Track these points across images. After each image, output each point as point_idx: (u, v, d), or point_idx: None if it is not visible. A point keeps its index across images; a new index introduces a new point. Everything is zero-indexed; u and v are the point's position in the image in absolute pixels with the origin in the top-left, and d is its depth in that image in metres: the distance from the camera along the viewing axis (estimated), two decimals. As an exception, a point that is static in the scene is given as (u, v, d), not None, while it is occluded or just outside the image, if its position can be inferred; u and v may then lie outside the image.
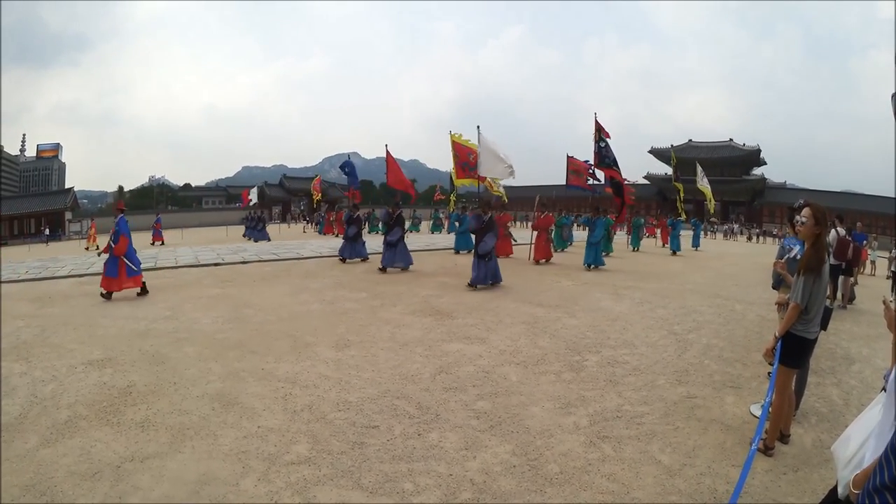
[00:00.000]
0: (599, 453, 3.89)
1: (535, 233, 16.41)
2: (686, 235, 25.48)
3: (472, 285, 10.73)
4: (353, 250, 15.46)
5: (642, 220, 25.28)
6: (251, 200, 38.24)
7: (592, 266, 15.09)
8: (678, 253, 22.27)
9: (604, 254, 18.13)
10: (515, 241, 18.66)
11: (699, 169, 25.76)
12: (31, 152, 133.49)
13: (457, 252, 18.28)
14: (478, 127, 14.01)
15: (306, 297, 9.59)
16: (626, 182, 16.97)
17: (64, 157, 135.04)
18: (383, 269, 13.27)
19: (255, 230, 29.48)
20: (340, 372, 5.55)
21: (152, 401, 4.74)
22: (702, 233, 29.56)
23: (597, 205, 16.63)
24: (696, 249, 25.60)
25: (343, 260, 15.23)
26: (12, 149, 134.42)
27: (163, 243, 27.15)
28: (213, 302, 9.25)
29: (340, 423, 4.30)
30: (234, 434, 4.09)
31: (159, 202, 75.74)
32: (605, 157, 16.08)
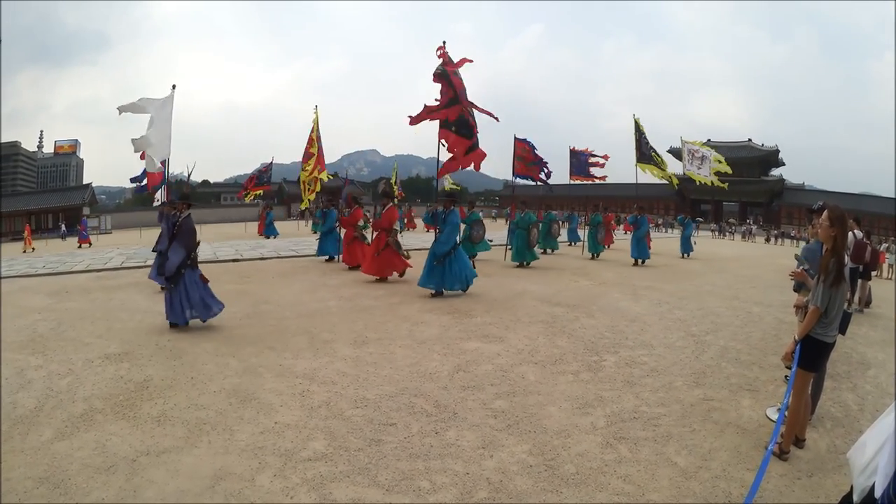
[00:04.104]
0: (616, 454, 3.86)
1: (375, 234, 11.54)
2: (668, 238, 22.93)
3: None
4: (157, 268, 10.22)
5: (600, 218, 18.51)
6: (158, 199, 29.70)
7: (435, 292, 9.57)
8: (644, 262, 16.36)
9: (520, 264, 14.49)
10: (407, 256, 11.67)
11: (685, 150, 18.09)
12: (48, 149, 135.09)
13: (329, 259, 14.80)
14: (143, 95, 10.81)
15: (324, 294, 9.61)
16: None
17: (82, 154, 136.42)
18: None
19: None
20: (358, 369, 5.56)
21: (169, 395, 4.76)
22: (693, 233, 22.09)
23: (449, 191, 11.32)
24: (685, 256, 19.68)
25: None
26: (30, 145, 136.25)
27: (90, 245, 25.91)
28: (231, 297, 9.28)
29: (358, 420, 4.29)
30: (251, 429, 4.09)
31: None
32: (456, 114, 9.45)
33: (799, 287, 4.86)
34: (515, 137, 16.16)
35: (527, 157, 16.16)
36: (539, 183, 16.80)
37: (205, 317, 7.15)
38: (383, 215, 11.31)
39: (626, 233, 19.63)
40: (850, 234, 9.51)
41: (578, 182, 19.94)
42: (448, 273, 9.43)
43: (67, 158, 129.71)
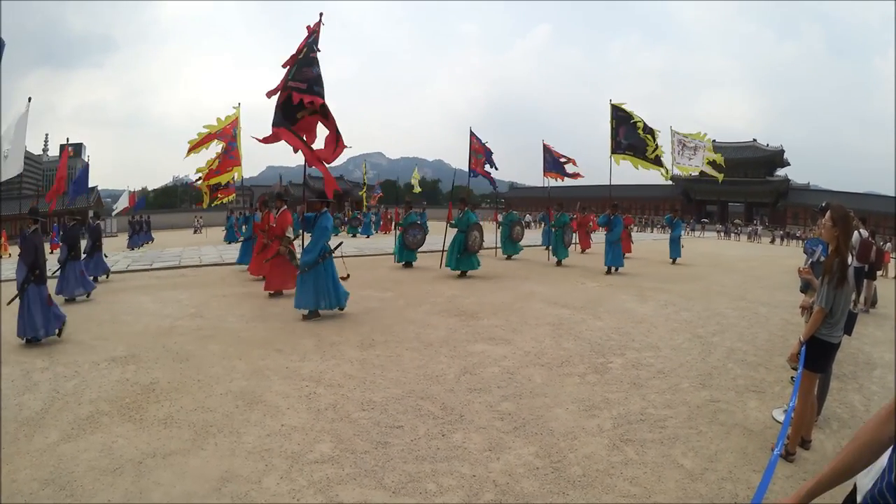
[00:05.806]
0: (622, 456, 3.85)
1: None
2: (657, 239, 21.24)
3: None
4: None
5: (567, 218, 16.57)
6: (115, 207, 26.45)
7: (309, 312, 7.95)
8: (618, 270, 14.26)
9: (462, 273, 12.51)
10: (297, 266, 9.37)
11: (675, 141, 15.12)
12: (53, 152, 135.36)
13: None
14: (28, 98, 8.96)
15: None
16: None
17: (87, 157, 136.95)
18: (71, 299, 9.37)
19: (135, 236, 26.27)
20: (365, 371, 5.56)
21: (176, 398, 4.77)
22: (682, 234, 19.07)
23: (284, 190, 10.05)
24: (675, 262, 17.42)
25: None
26: (35, 148, 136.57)
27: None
28: (238, 300, 9.32)
29: (364, 423, 4.29)
30: (258, 432, 4.10)
31: (183, 201, 76.50)
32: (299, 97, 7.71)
33: (805, 288, 4.85)
34: (471, 131, 15.42)
35: (479, 150, 15.52)
36: (486, 179, 15.99)
37: (44, 335, 6.63)
38: (277, 220, 10.14)
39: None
40: (855, 233, 9.49)
41: (568, 183, 18.89)
42: (315, 287, 7.91)
43: (72, 161, 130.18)
